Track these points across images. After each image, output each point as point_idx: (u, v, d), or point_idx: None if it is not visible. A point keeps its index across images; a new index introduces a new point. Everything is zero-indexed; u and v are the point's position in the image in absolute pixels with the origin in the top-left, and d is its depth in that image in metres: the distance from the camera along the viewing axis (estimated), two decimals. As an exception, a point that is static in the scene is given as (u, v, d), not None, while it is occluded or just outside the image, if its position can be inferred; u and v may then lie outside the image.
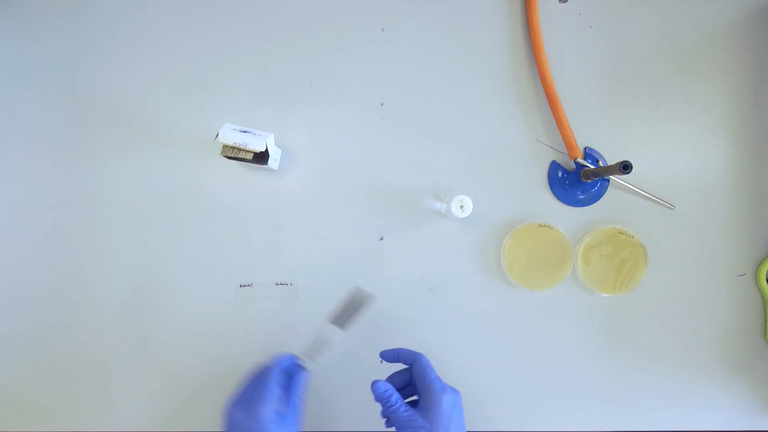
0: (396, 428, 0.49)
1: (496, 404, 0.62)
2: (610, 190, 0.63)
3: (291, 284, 0.62)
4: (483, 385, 0.62)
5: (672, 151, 0.63)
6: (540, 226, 0.62)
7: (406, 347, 0.62)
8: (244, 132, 0.54)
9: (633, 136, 0.63)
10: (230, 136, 0.53)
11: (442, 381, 0.50)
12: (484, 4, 0.63)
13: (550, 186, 0.62)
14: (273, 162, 0.58)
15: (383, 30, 0.63)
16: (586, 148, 0.62)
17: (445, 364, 0.62)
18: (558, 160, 0.62)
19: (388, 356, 0.54)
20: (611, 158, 0.62)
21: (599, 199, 0.62)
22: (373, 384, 0.50)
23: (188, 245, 0.61)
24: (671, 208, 0.62)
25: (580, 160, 0.60)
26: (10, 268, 0.61)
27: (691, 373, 0.63)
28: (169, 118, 0.61)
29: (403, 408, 0.49)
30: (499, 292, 0.62)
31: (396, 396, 0.50)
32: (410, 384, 0.53)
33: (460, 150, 0.62)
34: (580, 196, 0.62)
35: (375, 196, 0.62)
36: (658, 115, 0.63)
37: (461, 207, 0.55)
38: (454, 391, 0.50)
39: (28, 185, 0.61)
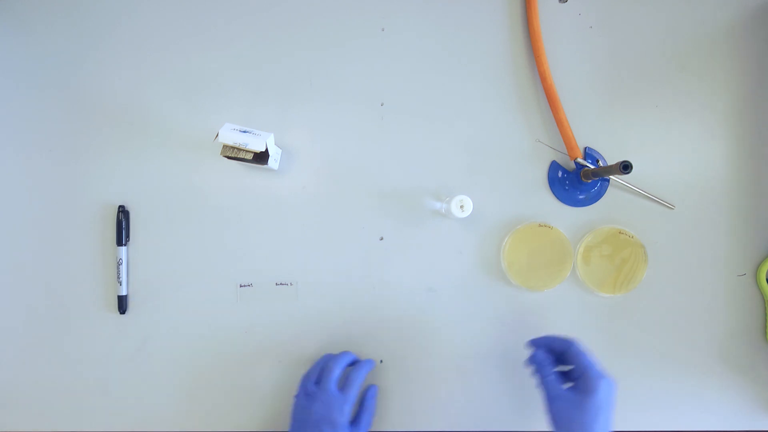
0: (546, 397, 0.52)
1: (496, 404, 0.62)
2: (610, 190, 0.63)
3: (291, 284, 0.61)
4: (482, 385, 0.62)
5: (672, 151, 0.63)
6: (540, 226, 0.62)
7: (405, 347, 0.62)
8: (244, 132, 0.54)
9: (633, 136, 0.63)
10: (230, 136, 0.53)
11: (598, 367, 0.50)
12: (484, 4, 0.63)
13: (550, 186, 0.62)
14: (273, 162, 0.58)
15: (383, 30, 0.63)
16: (586, 148, 0.62)
17: (445, 364, 0.62)
18: (558, 160, 0.62)
19: (538, 343, 0.55)
20: (611, 158, 0.62)
21: (599, 199, 0.62)
22: (533, 349, 0.54)
23: (188, 245, 0.61)
24: (671, 208, 0.62)
25: (580, 160, 0.60)
26: (9, 268, 0.61)
27: (691, 373, 0.63)
28: (169, 118, 0.61)
29: (556, 380, 0.51)
30: (499, 292, 0.62)
31: (552, 367, 0.52)
32: (560, 362, 0.54)
33: (460, 150, 0.62)
34: (580, 196, 0.62)
35: (375, 196, 0.62)
36: (658, 115, 0.63)
37: (461, 207, 0.55)
38: (611, 379, 0.50)
39: (28, 185, 0.61)
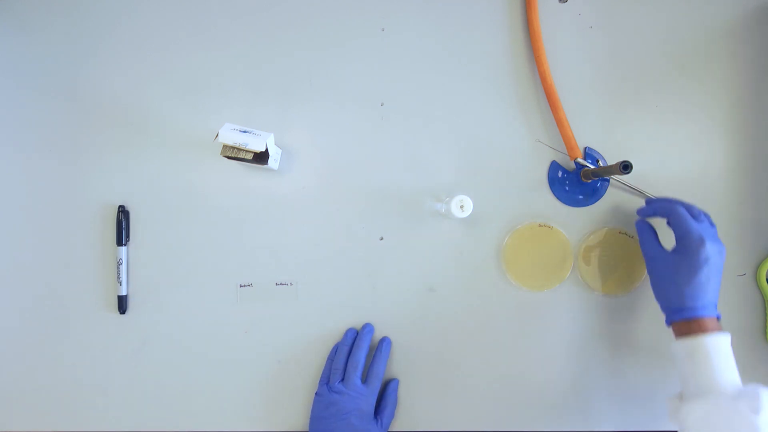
0: (645, 260, 0.55)
1: (496, 404, 0.62)
2: (610, 190, 0.63)
3: (291, 284, 0.62)
4: (482, 384, 0.62)
5: (672, 151, 0.63)
6: (540, 226, 0.62)
7: (405, 347, 0.62)
8: (244, 132, 0.54)
9: (633, 136, 0.63)
10: (230, 136, 0.53)
11: (701, 233, 0.50)
12: (484, 4, 0.63)
13: (550, 186, 0.62)
14: (273, 162, 0.58)
15: (383, 30, 0.63)
16: (586, 148, 0.62)
17: (445, 364, 0.62)
18: (558, 160, 0.62)
19: (645, 212, 0.57)
20: (611, 158, 0.62)
21: (599, 199, 0.62)
22: (639, 216, 0.57)
23: (188, 245, 0.61)
24: (671, 208, 0.62)
25: (580, 160, 0.60)
26: (9, 268, 0.61)
27: (691, 373, 0.63)
28: (169, 118, 0.61)
29: (653, 242, 0.54)
30: (499, 292, 0.62)
31: (651, 232, 0.55)
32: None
33: (461, 150, 0.62)
34: (580, 196, 0.62)
35: (375, 196, 0.62)
36: (658, 115, 0.63)
37: (461, 207, 0.55)
38: (715, 243, 0.49)
39: (28, 185, 0.61)
